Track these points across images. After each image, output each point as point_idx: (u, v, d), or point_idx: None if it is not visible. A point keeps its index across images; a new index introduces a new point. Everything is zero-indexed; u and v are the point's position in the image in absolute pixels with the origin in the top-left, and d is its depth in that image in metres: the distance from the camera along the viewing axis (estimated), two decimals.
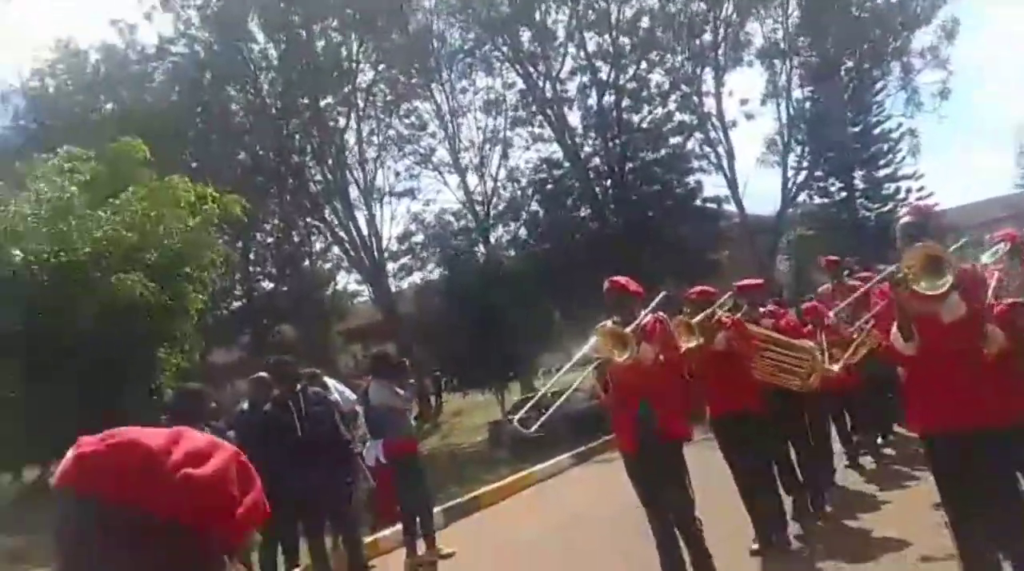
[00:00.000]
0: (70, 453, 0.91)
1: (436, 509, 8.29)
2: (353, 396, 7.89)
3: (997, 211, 33.62)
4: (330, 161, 25.79)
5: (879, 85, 28.01)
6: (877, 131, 28.07)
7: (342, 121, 26.26)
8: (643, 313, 4.69)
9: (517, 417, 5.97)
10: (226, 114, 24.99)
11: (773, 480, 5.82)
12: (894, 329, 3.62)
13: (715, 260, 24.91)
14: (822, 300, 7.64)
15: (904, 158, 28.09)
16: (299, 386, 6.56)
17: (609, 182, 26.27)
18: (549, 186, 26.15)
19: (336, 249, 28.15)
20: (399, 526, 7.80)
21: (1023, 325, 3.90)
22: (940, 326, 3.49)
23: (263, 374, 6.76)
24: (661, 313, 4.86)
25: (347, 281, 29.97)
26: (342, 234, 26.62)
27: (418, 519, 7.50)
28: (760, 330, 5.85)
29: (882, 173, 28.48)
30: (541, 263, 22.73)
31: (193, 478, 0.90)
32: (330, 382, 7.61)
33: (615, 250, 22.14)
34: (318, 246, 29.29)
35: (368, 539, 7.90)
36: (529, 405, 6.14)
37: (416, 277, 27.32)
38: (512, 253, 25.32)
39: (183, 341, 8.25)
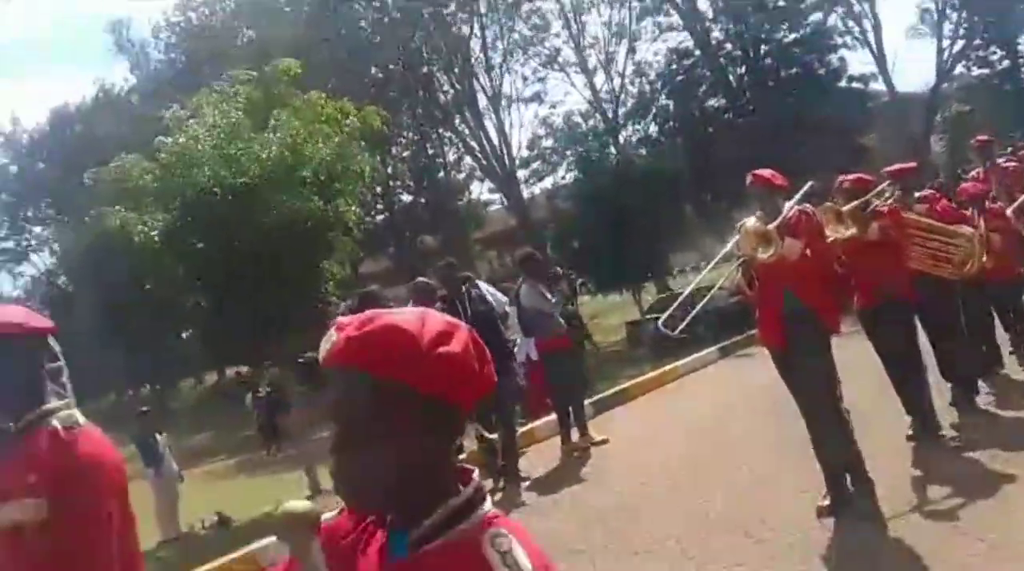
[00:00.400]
0: (337, 335, 1.03)
1: (587, 401, 8.69)
2: (504, 298, 8.25)
3: None
4: (457, 70, 25.93)
5: None
6: None
7: (465, 29, 26.20)
8: (788, 206, 4.56)
9: (662, 320, 5.93)
10: (353, 30, 25.45)
11: (923, 369, 5.57)
12: None
13: (863, 144, 23.47)
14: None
15: None
16: (464, 288, 7.04)
17: (743, 69, 25.01)
18: (680, 78, 25.21)
19: (468, 159, 28.71)
20: (552, 416, 8.26)
21: None
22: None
23: (425, 279, 7.26)
24: (808, 205, 4.70)
25: (481, 190, 30.59)
26: (473, 143, 27.03)
27: (571, 409, 7.93)
28: (915, 217, 5.58)
29: None
30: (674, 160, 22.20)
31: (446, 355, 1.01)
32: (482, 285, 7.95)
33: (752, 141, 21.29)
34: (451, 157, 29.96)
35: (524, 429, 8.51)
36: (674, 306, 5.99)
37: (547, 182, 27.46)
38: (643, 151, 24.84)
39: (342, 252, 8.85)
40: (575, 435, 7.88)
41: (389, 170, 28.15)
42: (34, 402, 1.90)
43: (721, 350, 12.00)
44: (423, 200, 29.42)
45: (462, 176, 30.79)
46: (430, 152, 29.13)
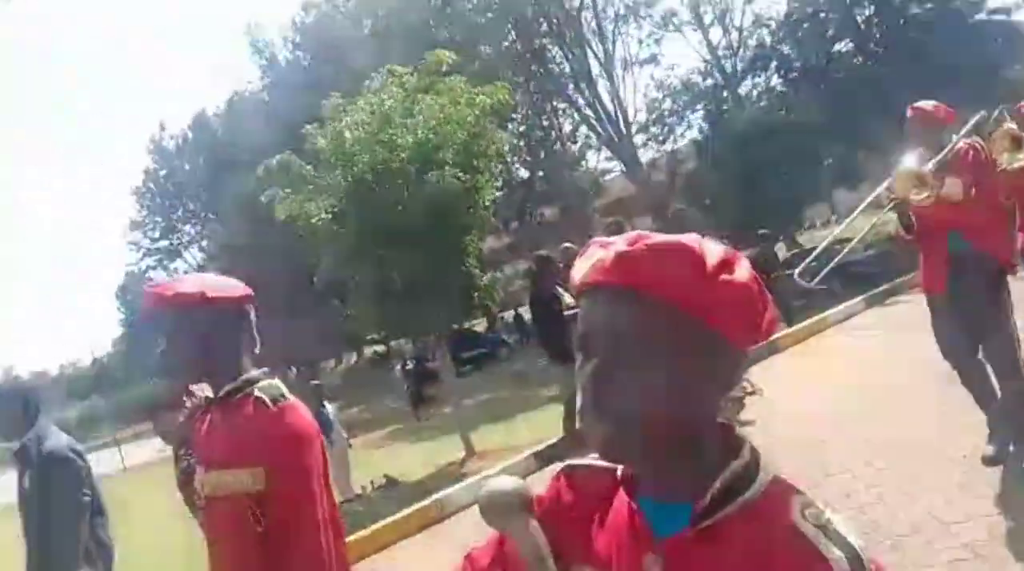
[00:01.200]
0: (603, 252, 0.89)
1: None
2: None
3: None
4: (568, 38, 25.88)
5: None
6: None
7: None
8: (955, 140, 4.25)
9: (798, 270, 5.58)
10: (462, 10, 25.88)
11: None
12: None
13: (1011, 80, 21.80)
14: None
15: None
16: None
17: (871, 9, 23.72)
18: (805, 24, 24.19)
19: (584, 128, 28.65)
20: None
21: None
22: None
23: (547, 252, 7.78)
24: (976, 138, 4.36)
25: (598, 159, 30.50)
26: (589, 112, 26.96)
27: None
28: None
29: None
30: (800, 110, 21.44)
31: (730, 284, 0.86)
32: None
33: (884, 86, 20.27)
34: (567, 128, 29.99)
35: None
36: (810, 259, 5.70)
37: (667, 146, 27.12)
38: (764, 103, 24.08)
39: (481, 228, 9.26)
40: None
41: (506, 147, 28.55)
42: (234, 371, 1.92)
43: (870, 299, 11.79)
44: (541, 173, 29.67)
45: (577, 146, 30.81)
46: (545, 124, 29.28)
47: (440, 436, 11.36)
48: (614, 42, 26.79)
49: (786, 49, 24.62)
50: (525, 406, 11.42)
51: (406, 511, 7.03)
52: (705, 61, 25.70)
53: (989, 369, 4.37)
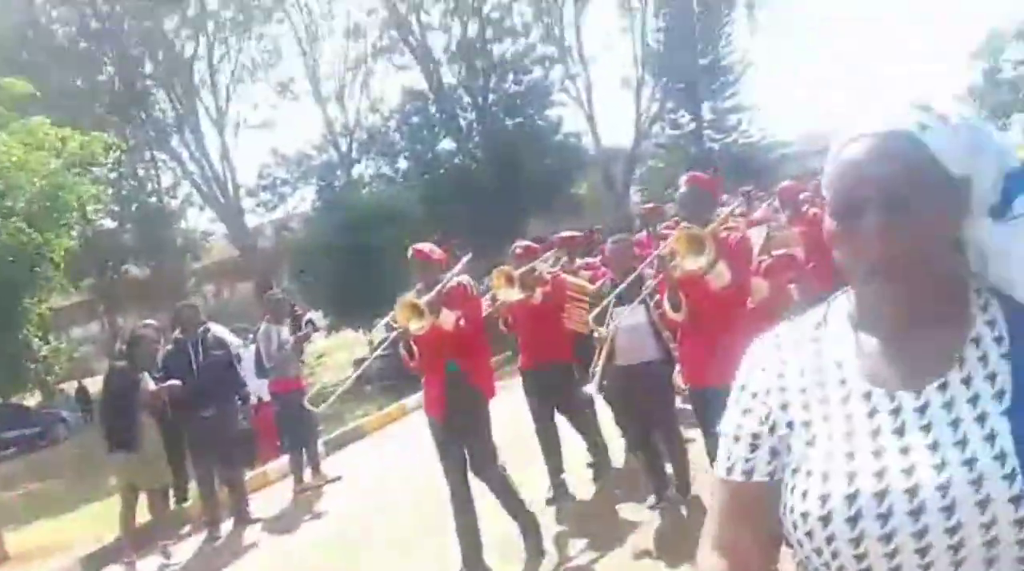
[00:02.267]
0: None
1: (320, 440, 8.81)
2: (237, 340, 8.06)
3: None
4: (178, 86, 24.31)
5: (726, 20, 29.21)
6: (724, 63, 29.44)
7: (190, 46, 24.73)
8: (447, 277, 4.82)
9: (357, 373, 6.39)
10: (56, 38, 22.94)
11: (595, 431, 6.21)
12: (664, 300, 4.21)
13: (575, 194, 25.71)
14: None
15: (748, 89, 29.80)
16: (200, 330, 7.11)
17: (473, 115, 26.29)
18: (414, 119, 25.85)
19: (187, 184, 26.79)
20: (285, 458, 8.40)
21: (784, 278, 4.71)
22: (709, 293, 4.04)
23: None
24: (465, 277, 4.98)
25: (199, 218, 28.65)
26: (193, 168, 25.40)
27: (304, 450, 8.08)
28: (575, 281, 5.96)
29: (727, 104, 29.97)
30: (405, 197, 22.64)
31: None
32: (216, 328, 7.70)
33: (479, 184, 22.39)
34: (167, 181, 27.75)
35: (256, 471, 8.64)
36: (369, 360, 6.75)
37: (278, 212, 26.57)
38: (376, 187, 25.02)
39: (48, 288, 7.93)
40: (308, 475, 8.04)
41: (89, 195, 25.46)
42: None
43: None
44: (129, 226, 26.74)
45: (178, 202, 28.59)
46: (140, 174, 26.73)
47: None
48: (228, 100, 25.81)
49: (397, 138, 25.95)
50: (83, 497, 9.76)
51: None
52: (322, 135, 25.95)
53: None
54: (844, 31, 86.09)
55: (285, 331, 8.02)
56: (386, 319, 4.98)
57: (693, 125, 29.98)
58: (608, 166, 28.39)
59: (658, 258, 4.19)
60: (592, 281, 5.92)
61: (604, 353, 4.83)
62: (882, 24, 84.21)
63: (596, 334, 4.87)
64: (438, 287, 4.67)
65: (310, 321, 22.93)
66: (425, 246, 4.97)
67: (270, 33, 25.83)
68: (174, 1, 23.44)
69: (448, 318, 4.60)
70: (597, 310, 4.87)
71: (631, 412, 5.35)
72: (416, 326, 4.50)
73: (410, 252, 4.90)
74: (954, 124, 0.99)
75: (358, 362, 17.76)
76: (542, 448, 5.89)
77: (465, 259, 5.14)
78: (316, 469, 8.09)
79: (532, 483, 5.68)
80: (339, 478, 8.07)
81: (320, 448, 8.68)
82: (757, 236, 5.39)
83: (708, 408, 4.13)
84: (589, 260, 7.19)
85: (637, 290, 4.75)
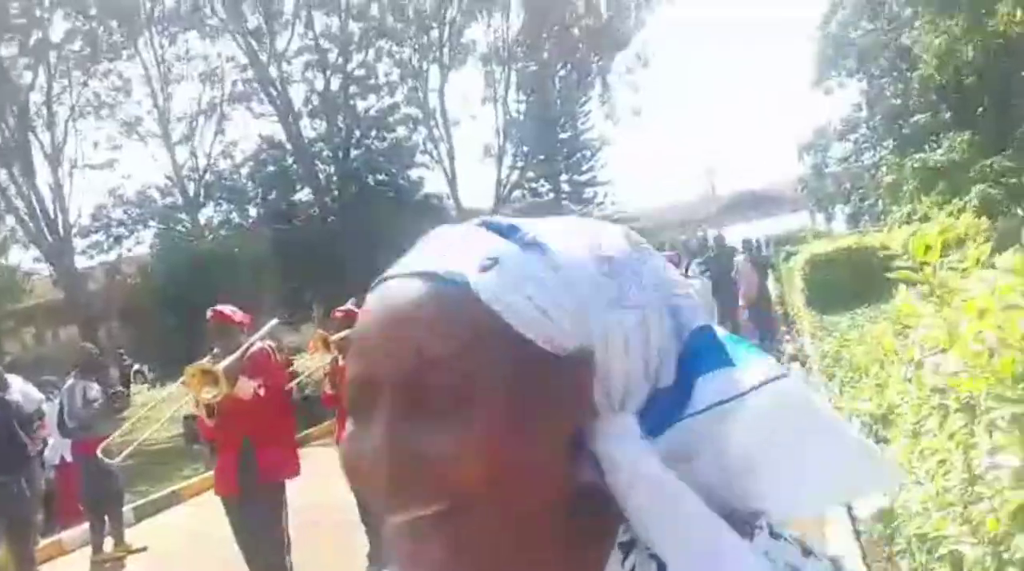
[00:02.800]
0: None
1: (126, 507, 7.99)
2: (39, 395, 7.23)
3: (682, 214, 38.88)
4: (10, 119, 22.48)
5: (585, 98, 30.61)
6: (582, 139, 30.69)
7: (28, 75, 23.02)
8: (249, 342, 4.55)
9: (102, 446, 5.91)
10: None
11: None
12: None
13: None
14: None
15: (603, 165, 31.14)
16: None
17: (332, 168, 25.85)
18: (270, 168, 25.08)
19: (12, 219, 24.54)
20: (85, 525, 7.61)
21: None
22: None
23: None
24: (269, 342, 4.74)
25: (22, 256, 26.24)
26: (19, 203, 23.35)
27: (107, 516, 7.39)
28: None
29: (584, 178, 31.15)
30: (256, 247, 21.74)
31: None
32: (12, 379, 6.83)
33: (336, 239, 21.90)
34: None
35: (51, 539, 7.81)
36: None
37: (111, 255, 24.75)
38: (224, 234, 23.94)
39: None
40: (109, 544, 7.32)
41: None
42: None
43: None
44: None
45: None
46: None
47: None
48: (66, 137, 24.09)
49: (250, 186, 25.07)
50: None
51: None
52: (167, 178, 24.58)
53: None
54: (690, 119, 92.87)
55: (95, 387, 7.34)
56: (178, 383, 4.66)
57: (552, 194, 30.82)
58: None
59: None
60: None
61: None
62: (725, 115, 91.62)
63: None
64: (237, 352, 4.34)
65: (140, 372, 21.44)
66: (226, 307, 4.64)
67: (118, 70, 24.45)
68: (14, 28, 21.91)
69: (246, 387, 4.28)
70: None
71: None
72: (209, 395, 4.15)
73: (209, 313, 4.57)
74: (553, 255, 0.58)
75: (188, 418, 16.64)
76: (370, 539, 5.03)
77: (271, 324, 4.88)
78: (119, 538, 7.38)
79: None
80: (144, 549, 7.41)
81: (128, 514, 7.97)
82: None
83: None
84: None
85: None
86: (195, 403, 4.33)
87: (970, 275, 1.64)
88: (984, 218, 8.63)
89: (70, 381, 7.46)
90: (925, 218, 11.44)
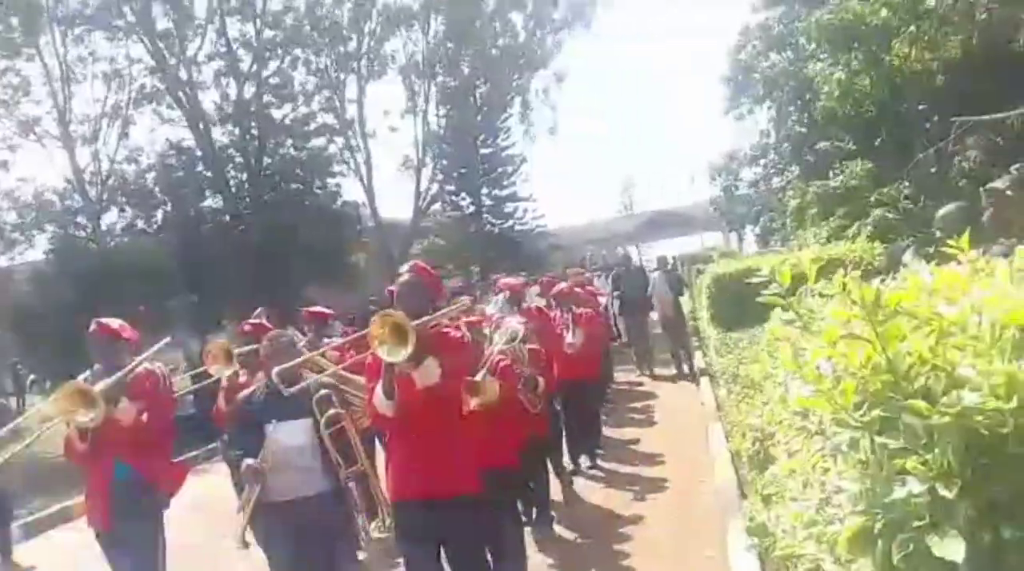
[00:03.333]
0: None
1: (15, 524, 7.59)
2: None
3: (600, 233, 39.48)
4: None
5: (505, 114, 30.82)
6: (503, 154, 30.85)
7: None
8: (136, 361, 4.24)
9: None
10: None
11: None
12: (378, 387, 3.57)
13: (351, 262, 25.35)
14: None
15: (523, 181, 31.41)
16: None
17: (245, 176, 25.20)
18: (178, 174, 24.23)
19: None
20: None
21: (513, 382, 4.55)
22: (414, 390, 3.52)
23: None
24: (158, 363, 4.45)
25: None
26: None
27: None
28: (324, 362, 5.14)
29: (505, 193, 31.30)
30: (162, 254, 20.91)
31: None
32: None
33: (247, 247, 21.34)
34: None
35: None
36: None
37: (1, 261, 23.39)
38: (127, 240, 22.96)
39: None
40: None
41: None
42: None
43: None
44: None
45: None
46: None
47: None
48: None
49: (157, 191, 24.17)
50: None
51: None
52: (67, 181, 23.42)
53: None
54: (607, 138, 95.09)
55: None
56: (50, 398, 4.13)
57: (472, 208, 30.86)
58: (386, 240, 28.31)
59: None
60: (337, 362, 5.13)
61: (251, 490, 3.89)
62: (641, 135, 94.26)
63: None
64: (121, 372, 4.03)
65: (36, 382, 20.33)
66: (113, 321, 4.31)
67: (16, 67, 23.23)
68: None
69: (128, 411, 3.97)
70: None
71: None
72: (85, 418, 3.78)
73: (92, 326, 4.24)
74: None
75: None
76: None
77: (162, 342, 4.58)
78: (6, 556, 7.16)
79: None
80: (32, 568, 7.24)
81: (15, 531, 7.59)
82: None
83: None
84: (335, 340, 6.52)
85: (302, 399, 4.00)
86: (67, 423, 3.93)
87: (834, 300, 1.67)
88: (878, 242, 9.04)
89: None
90: (828, 240, 11.94)
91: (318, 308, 6.96)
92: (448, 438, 3.66)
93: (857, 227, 11.80)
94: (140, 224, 23.72)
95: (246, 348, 5.22)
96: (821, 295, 1.90)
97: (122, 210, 23.89)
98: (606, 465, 8.43)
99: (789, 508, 2.14)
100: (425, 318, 3.61)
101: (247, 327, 5.55)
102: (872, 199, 12.51)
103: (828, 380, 1.24)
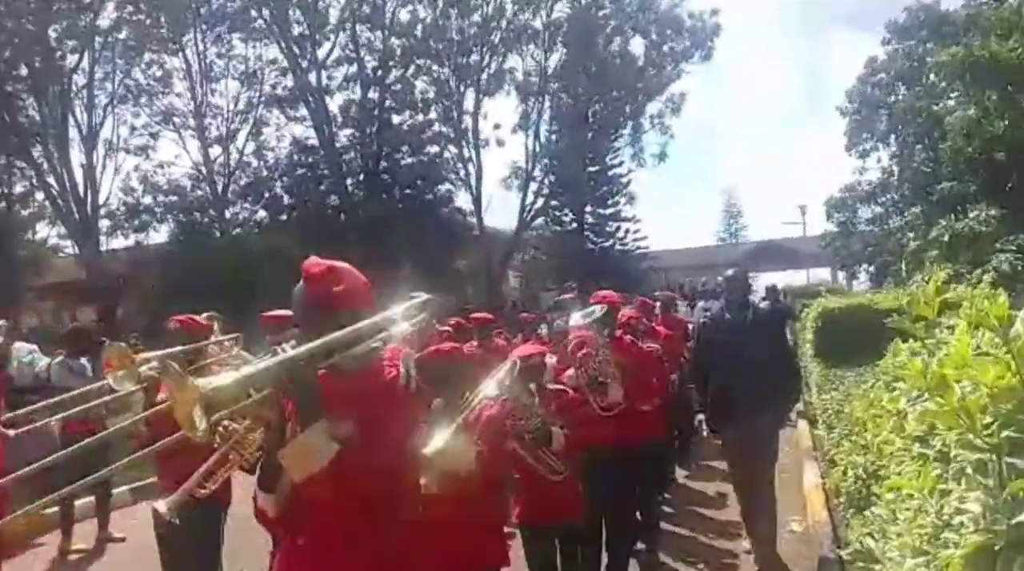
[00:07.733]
0: None
1: (124, 488, 7.82)
2: (44, 361, 7.12)
3: (701, 258, 38.81)
4: (49, 95, 22.91)
5: (615, 136, 30.76)
6: (610, 174, 30.77)
7: (72, 58, 23.50)
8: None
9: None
10: None
11: None
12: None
13: (455, 268, 25.90)
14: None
15: (628, 202, 31.19)
16: None
17: (362, 177, 26.11)
18: (300, 171, 25.36)
19: (40, 195, 24.96)
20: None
21: None
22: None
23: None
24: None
25: (49, 232, 26.63)
26: (51, 180, 23.75)
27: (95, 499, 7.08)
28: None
29: (608, 211, 31.18)
30: (280, 246, 21.90)
31: None
32: (21, 346, 6.75)
33: (359, 245, 22.10)
34: (18, 189, 25.73)
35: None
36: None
37: (133, 239, 25.02)
38: (247, 229, 24.17)
39: None
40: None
41: None
42: None
43: None
44: None
45: (28, 212, 26.48)
46: None
47: None
48: (103, 120, 24.54)
49: (280, 187, 25.35)
50: None
51: None
52: (199, 170, 24.89)
53: None
54: (718, 165, 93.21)
55: (83, 364, 6.91)
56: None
57: (575, 225, 30.91)
58: (489, 248, 28.70)
59: None
60: None
61: None
62: (752, 164, 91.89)
63: None
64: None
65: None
66: (199, 317, 4.26)
67: (161, 61, 24.90)
68: (64, 11, 22.40)
69: None
70: None
71: None
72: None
73: (173, 322, 4.15)
74: None
75: None
76: None
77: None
78: (103, 525, 7.06)
79: None
80: (123, 539, 6.96)
81: (126, 496, 7.81)
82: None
83: None
84: None
85: None
86: (145, 405, 3.42)
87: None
88: (1001, 289, 8.61)
89: (59, 357, 7.17)
90: (947, 284, 11.38)
91: (277, 312, 5.80)
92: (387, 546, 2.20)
93: (979, 274, 11.28)
94: (262, 217, 24.90)
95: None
96: (947, 328, 1.90)
97: (246, 203, 25.15)
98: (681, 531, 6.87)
99: (897, 534, 2.12)
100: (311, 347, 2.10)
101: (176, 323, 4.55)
102: (997, 246, 11.94)
103: (957, 394, 1.24)
